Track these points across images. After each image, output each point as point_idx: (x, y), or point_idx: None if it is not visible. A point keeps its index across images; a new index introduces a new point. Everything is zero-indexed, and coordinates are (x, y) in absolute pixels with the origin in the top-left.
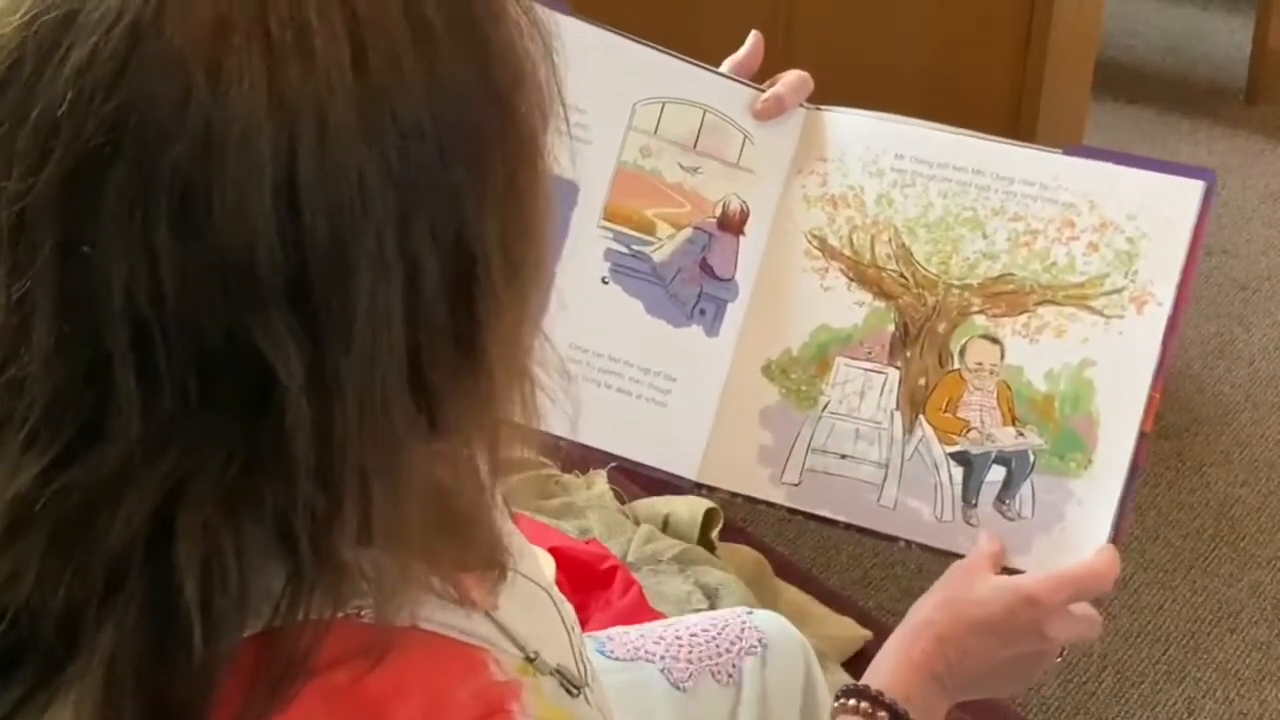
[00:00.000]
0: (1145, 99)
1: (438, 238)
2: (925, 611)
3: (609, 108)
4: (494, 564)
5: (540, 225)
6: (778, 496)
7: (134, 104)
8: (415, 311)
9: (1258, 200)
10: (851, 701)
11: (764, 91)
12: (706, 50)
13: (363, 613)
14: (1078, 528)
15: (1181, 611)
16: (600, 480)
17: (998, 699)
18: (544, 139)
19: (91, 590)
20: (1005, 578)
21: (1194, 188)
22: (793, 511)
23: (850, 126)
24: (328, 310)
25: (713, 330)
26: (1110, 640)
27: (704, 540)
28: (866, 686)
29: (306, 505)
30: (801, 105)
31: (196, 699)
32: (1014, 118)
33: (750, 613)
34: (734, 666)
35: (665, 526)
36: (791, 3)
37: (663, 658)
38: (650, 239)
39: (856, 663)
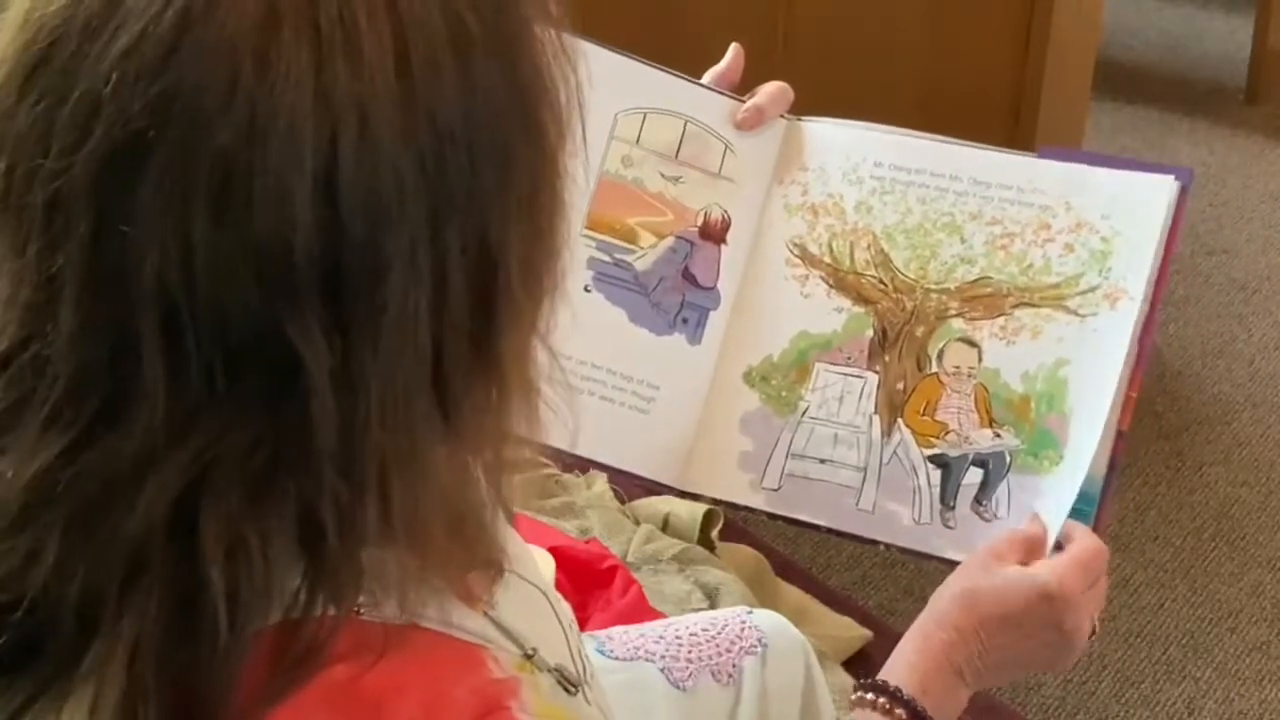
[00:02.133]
0: (1145, 99)
1: (466, 242)
2: (944, 603)
3: (590, 118)
4: (492, 565)
5: (558, 239)
6: (758, 502)
7: (180, 89)
8: (441, 313)
9: (1258, 200)
10: (869, 696)
11: (744, 102)
12: (705, 57)
13: (362, 610)
14: (1050, 525)
15: (1181, 611)
16: (600, 480)
17: (997, 700)
18: (563, 157)
19: (111, 577)
20: (1022, 570)
21: (1166, 184)
22: (772, 516)
23: (830, 136)
24: (359, 307)
25: (695, 338)
26: (1110, 640)
27: (704, 540)
28: (885, 681)
29: (331, 496)
30: (782, 116)
31: (218, 688)
32: (1014, 118)
33: (750, 612)
34: (734, 666)
35: (665, 526)
36: (791, 6)
37: (663, 657)
38: (633, 248)
39: (856, 662)
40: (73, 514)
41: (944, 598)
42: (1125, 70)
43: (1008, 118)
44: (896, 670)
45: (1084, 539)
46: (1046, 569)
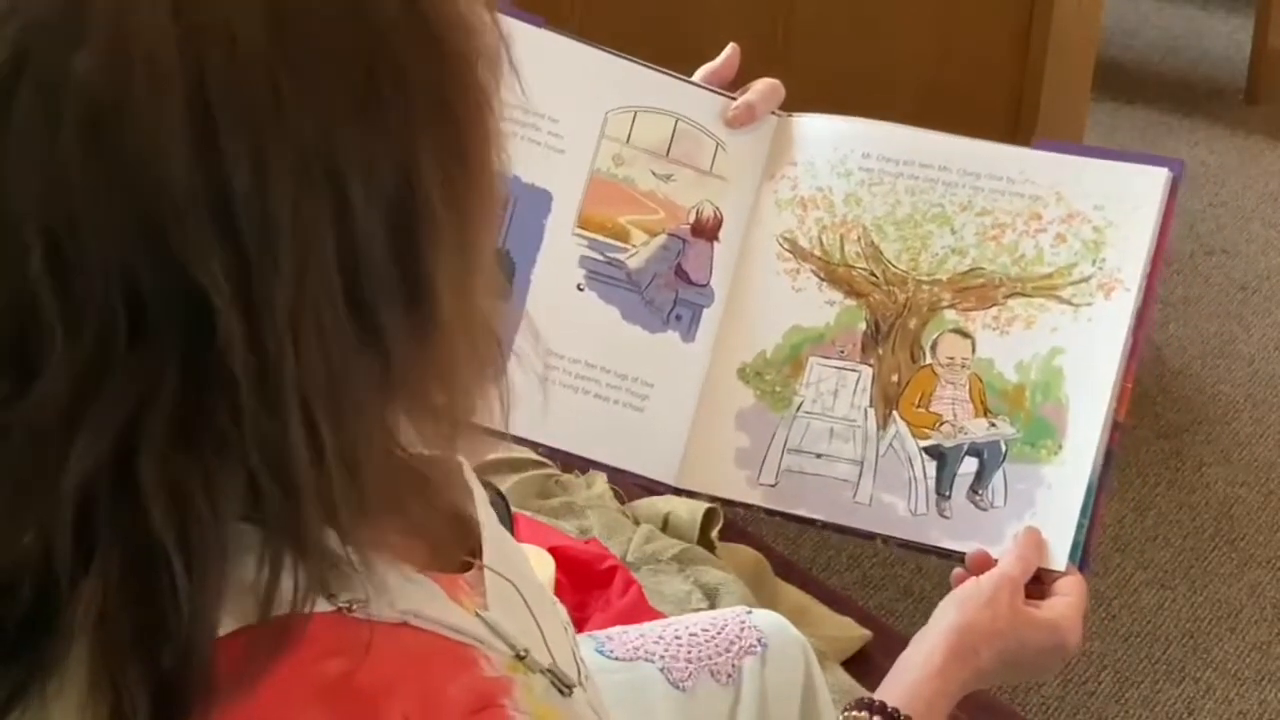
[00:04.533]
0: (1145, 99)
1: (367, 158)
2: (942, 635)
3: (581, 117)
4: (464, 527)
5: (480, 158)
6: (755, 498)
7: (33, 24)
8: (348, 230)
9: (1258, 200)
10: (863, 714)
11: (735, 99)
12: (706, 56)
13: (353, 607)
14: (1048, 513)
15: (1181, 611)
16: (600, 480)
17: (997, 699)
18: (486, 83)
19: (61, 543)
20: (1030, 611)
21: (1159, 175)
22: (770, 512)
23: (818, 129)
24: (251, 227)
25: (688, 335)
26: (1110, 640)
27: (704, 540)
28: (883, 702)
29: (254, 426)
30: (773, 113)
31: (194, 649)
32: (1014, 118)
33: (750, 612)
34: (734, 666)
35: (665, 526)
36: (791, 4)
37: (662, 657)
38: (625, 246)
39: (856, 663)
40: (8, 475)
41: (942, 628)
42: (1125, 70)
43: (1008, 118)
44: (893, 692)
45: (1074, 581)
46: (1058, 613)
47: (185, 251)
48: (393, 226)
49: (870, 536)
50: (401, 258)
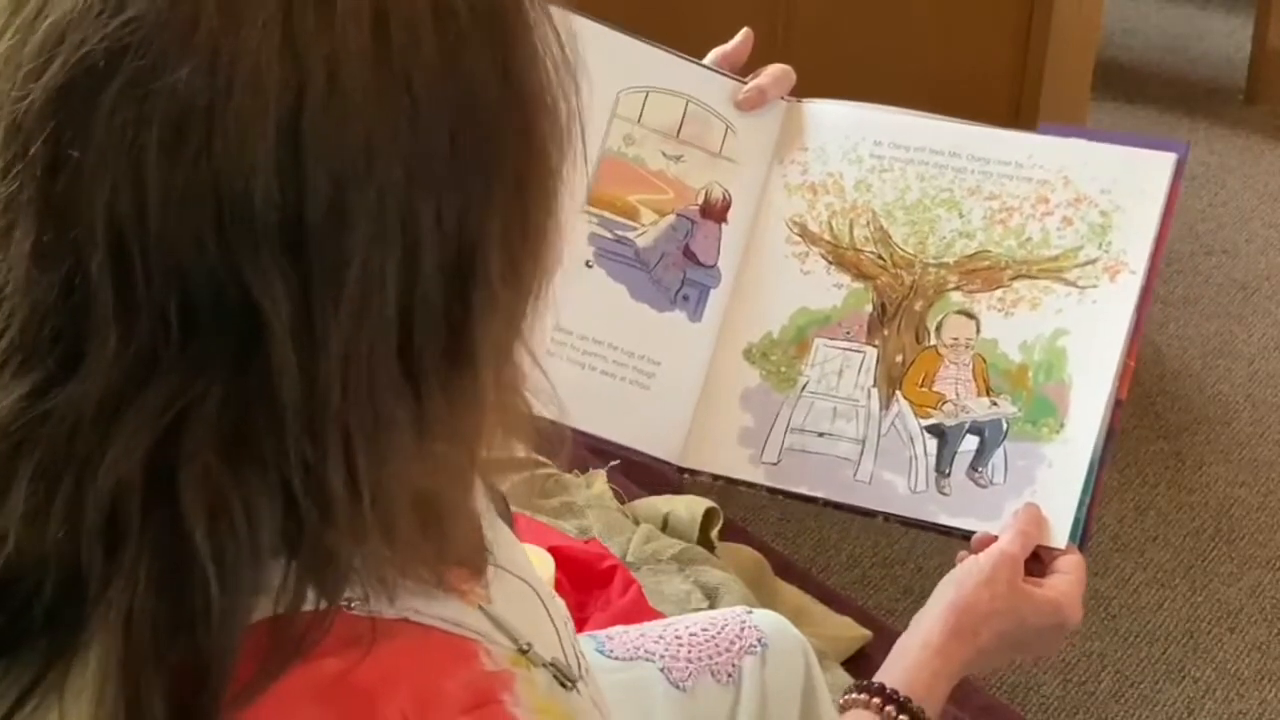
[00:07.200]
0: (1145, 99)
1: (441, 218)
2: (941, 614)
3: (593, 95)
4: (469, 565)
5: (544, 239)
6: (757, 476)
7: (140, 24)
8: (411, 284)
9: (1257, 200)
10: (863, 696)
11: (746, 83)
12: (707, 44)
13: (353, 604)
14: (1048, 491)
15: (1181, 611)
16: (600, 480)
17: (997, 699)
18: (559, 164)
19: (92, 540)
20: (1029, 590)
21: (1165, 159)
22: (772, 491)
23: (829, 116)
24: (321, 260)
25: (695, 315)
26: (1110, 640)
27: (704, 540)
28: (882, 684)
29: (298, 454)
30: (783, 98)
31: (216, 661)
32: (1014, 117)
33: (750, 612)
34: (734, 666)
35: (665, 526)
36: (792, 1)
37: (662, 657)
38: (634, 224)
39: (856, 662)
40: (39, 464)
41: (938, 611)
42: (1125, 70)
43: (1008, 117)
44: (893, 674)
45: (1075, 559)
46: (1056, 591)
47: (250, 270)
48: (451, 289)
49: (870, 514)
50: (453, 320)
